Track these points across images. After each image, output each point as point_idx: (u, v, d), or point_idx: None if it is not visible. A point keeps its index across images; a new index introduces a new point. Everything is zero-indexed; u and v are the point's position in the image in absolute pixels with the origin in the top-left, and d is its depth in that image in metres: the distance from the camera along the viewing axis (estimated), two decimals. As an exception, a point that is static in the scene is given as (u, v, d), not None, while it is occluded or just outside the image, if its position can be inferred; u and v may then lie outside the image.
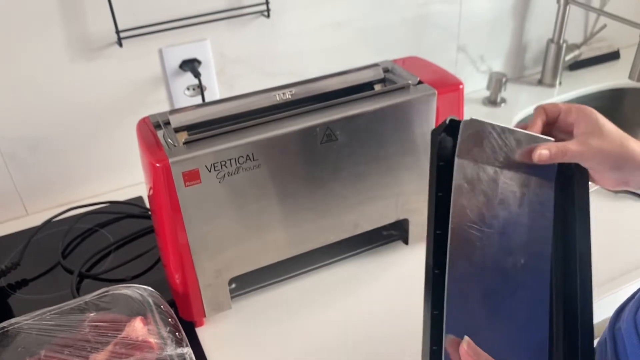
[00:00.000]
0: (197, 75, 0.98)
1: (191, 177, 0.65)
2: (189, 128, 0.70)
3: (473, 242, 0.54)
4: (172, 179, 0.64)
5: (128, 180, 1.06)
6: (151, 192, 0.69)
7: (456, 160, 0.55)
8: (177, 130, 0.69)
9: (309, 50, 1.11)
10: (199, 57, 1.01)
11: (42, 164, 0.99)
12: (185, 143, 0.65)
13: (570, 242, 0.55)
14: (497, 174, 0.57)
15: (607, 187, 0.58)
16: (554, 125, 0.59)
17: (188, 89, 1.03)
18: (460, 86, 0.76)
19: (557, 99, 1.34)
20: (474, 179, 0.56)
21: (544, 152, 0.55)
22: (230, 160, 0.66)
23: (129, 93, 0.99)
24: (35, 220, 0.99)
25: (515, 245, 0.55)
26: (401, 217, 0.82)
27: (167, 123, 0.70)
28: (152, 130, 0.69)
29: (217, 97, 1.05)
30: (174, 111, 0.70)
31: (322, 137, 0.70)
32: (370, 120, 0.72)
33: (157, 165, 0.63)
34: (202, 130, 0.68)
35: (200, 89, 0.99)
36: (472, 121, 0.55)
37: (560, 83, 1.38)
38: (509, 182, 0.57)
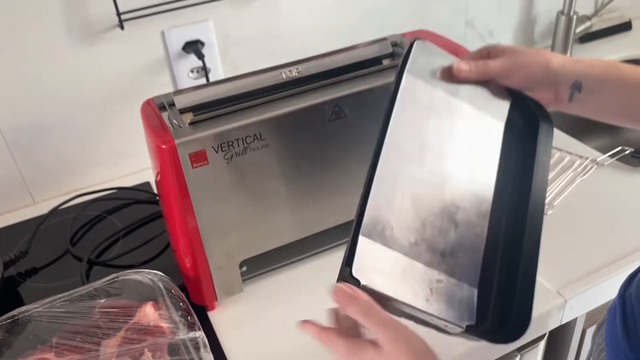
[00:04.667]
0: (200, 56, 0.97)
1: (198, 158, 0.63)
2: (194, 109, 0.68)
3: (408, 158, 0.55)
4: (179, 161, 0.62)
5: (135, 166, 1.05)
6: (158, 176, 0.68)
7: (406, 76, 0.57)
8: (182, 111, 0.67)
9: (314, 30, 1.09)
10: (202, 39, 0.99)
11: (47, 152, 0.98)
12: (191, 124, 0.64)
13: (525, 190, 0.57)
14: (446, 102, 0.59)
15: (546, 105, 0.60)
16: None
17: (192, 71, 1.01)
18: (472, 58, 0.73)
19: (568, 72, 1.31)
20: (421, 100, 0.58)
21: (462, 66, 0.58)
22: (237, 140, 0.64)
23: (133, 77, 0.97)
24: (43, 208, 0.98)
25: (450, 172, 0.56)
26: (413, 195, 0.80)
27: (172, 104, 0.68)
28: (156, 112, 0.68)
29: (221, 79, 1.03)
30: (178, 92, 0.68)
31: (331, 115, 0.68)
32: (380, 95, 0.70)
33: (163, 147, 0.61)
34: (208, 111, 0.66)
35: (205, 70, 0.97)
36: (425, 44, 0.60)
37: (571, 56, 1.35)
38: (456, 113, 0.59)
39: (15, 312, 0.67)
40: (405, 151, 0.55)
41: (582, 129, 1.27)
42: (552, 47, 1.35)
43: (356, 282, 0.46)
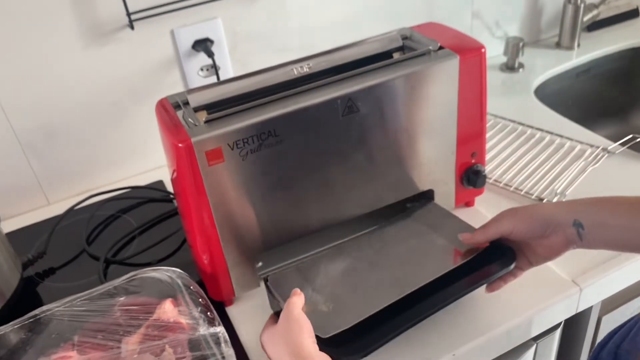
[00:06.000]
0: (210, 54, 0.97)
1: (214, 156, 0.64)
2: (208, 107, 0.69)
3: None
4: (195, 159, 0.63)
5: (147, 165, 1.06)
6: (175, 174, 0.68)
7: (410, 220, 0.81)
8: (196, 109, 0.68)
9: (321, 24, 1.09)
10: (211, 37, 0.99)
11: (61, 153, 0.99)
12: (206, 122, 0.64)
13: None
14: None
15: (565, 249, 0.64)
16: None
17: (202, 69, 1.01)
18: (482, 49, 0.74)
19: (575, 61, 1.31)
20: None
21: (466, 236, 0.70)
22: (252, 137, 0.65)
23: (143, 76, 0.98)
24: (57, 209, 0.99)
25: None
26: (426, 188, 0.81)
27: (186, 103, 0.69)
28: (171, 111, 0.68)
29: (231, 76, 1.03)
30: (192, 90, 0.68)
31: (344, 109, 0.69)
32: (392, 89, 0.70)
33: (180, 145, 0.62)
34: (222, 109, 0.67)
35: (215, 68, 0.98)
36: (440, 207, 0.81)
37: (578, 45, 1.34)
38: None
39: (37, 311, 0.68)
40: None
41: (591, 117, 1.27)
42: (560, 37, 1.35)
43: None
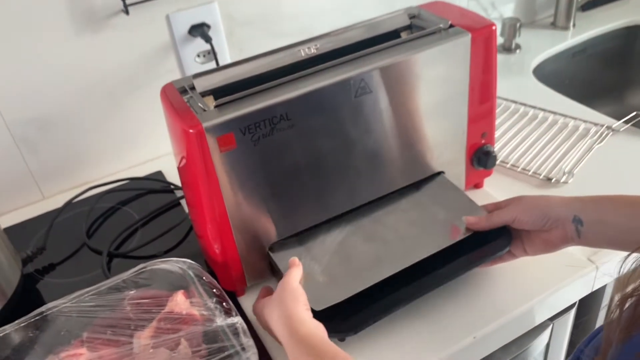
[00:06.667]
0: (207, 40, 0.94)
1: (226, 141, 0.61)
2: (214, 92, 0.66)
3: None
4: (206, 145, 0.61)
5: (145, 155, 1.03)
6: (183, 161, 0.66)
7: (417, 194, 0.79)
8: (203, 94, 0.66)
9: (317, 8, 1.06)
10: (208, 21, 0.96)
11: (54, 145, 0.95)
12: (217, 107, 0.62)
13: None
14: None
15: (562, 244, 0.64)
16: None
17: (199, 55, 0.98)
18: (493, 27, 0.72)
19: (571, 41, 1.30)
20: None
21: (472, 220, 0.70)
22: (264, 121, 0.63)
23: (139, 64, 0.95)
24: (53, 203, 0.96)
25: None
26: (437, 170, 0.79)
27: (192, 88, 0.66)
28: (178, 97, 0.66)
29: (228, 62, 1.00)
30: (197, 75, 0.66)
31: (356, 90, 0.67)
32: (404, 68, 0.68)
33: (191, 131, 0.60)
34: (229, 93, 0.64)
35: (214, 53, 0.95)
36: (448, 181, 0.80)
37: (574, 25, 1.34)
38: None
39: (42, 308, 0.66)
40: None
41: (588, 97, 1.27)
42: (555, 17, 1.34)
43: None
